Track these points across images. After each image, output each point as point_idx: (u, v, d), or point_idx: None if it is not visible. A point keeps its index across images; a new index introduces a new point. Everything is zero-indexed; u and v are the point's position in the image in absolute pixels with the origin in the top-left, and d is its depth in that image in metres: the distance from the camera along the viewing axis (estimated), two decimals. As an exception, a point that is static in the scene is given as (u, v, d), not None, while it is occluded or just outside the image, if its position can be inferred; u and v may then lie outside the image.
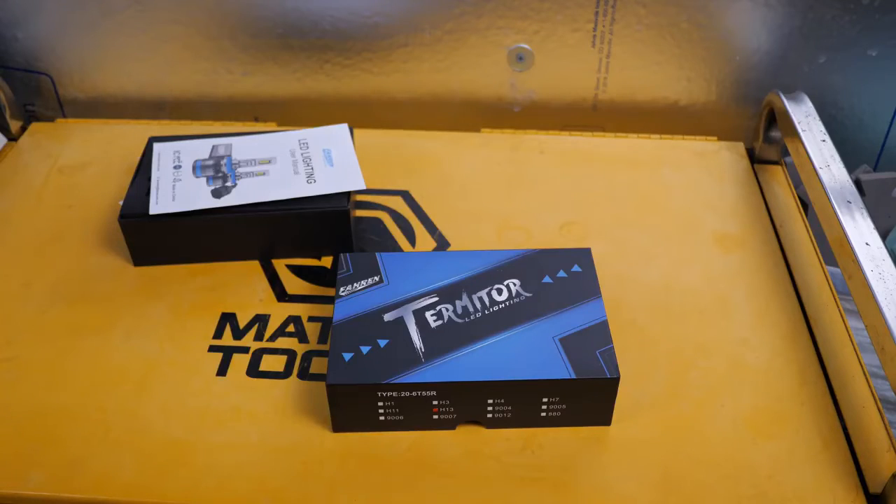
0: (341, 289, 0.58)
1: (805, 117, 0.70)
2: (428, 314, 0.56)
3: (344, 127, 0.73)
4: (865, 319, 0.53)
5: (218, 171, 0.67)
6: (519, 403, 0.53)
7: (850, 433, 0.54)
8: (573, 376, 0.51)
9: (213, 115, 0.88)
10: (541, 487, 0.51)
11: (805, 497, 0.50)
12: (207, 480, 0.51)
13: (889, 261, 0.55)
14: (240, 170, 0.67)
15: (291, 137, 0.71)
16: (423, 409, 0.53)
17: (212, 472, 0.52)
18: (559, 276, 0.58)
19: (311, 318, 0.62)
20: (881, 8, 0.76)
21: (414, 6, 0.80)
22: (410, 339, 0.54)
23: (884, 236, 0.84)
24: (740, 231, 0.70)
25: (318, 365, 0.58)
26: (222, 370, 0.58)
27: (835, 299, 0.64)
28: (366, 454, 0.53)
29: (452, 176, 0.76)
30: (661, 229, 0.70)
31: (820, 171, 0.64)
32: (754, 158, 0.78)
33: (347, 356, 0.53)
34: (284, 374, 0.58)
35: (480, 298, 0.57)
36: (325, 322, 0.62)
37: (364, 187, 0.66)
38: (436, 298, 0.57)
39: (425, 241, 0.69)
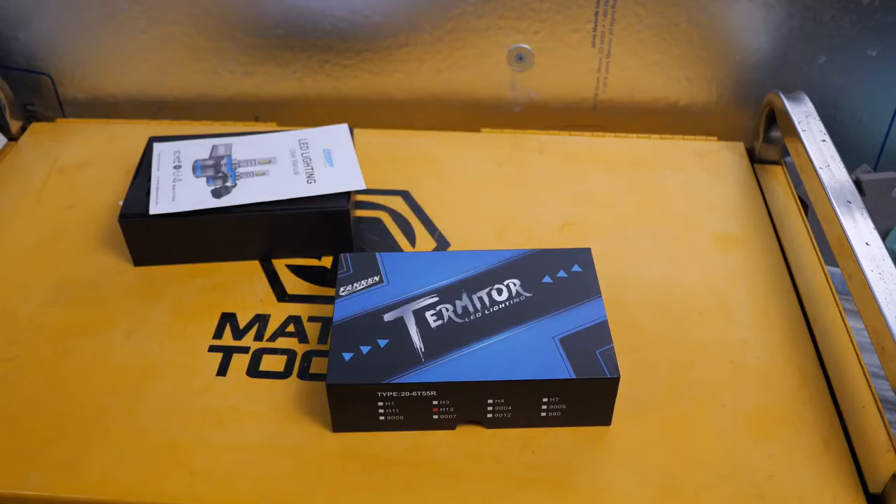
0: (341, 289, 0.58)
1: (805, 117, 0.70)
2: (428, 314, 0.56)
3: (344, 127, 0.73)
4: (865, 319, 0.53)
5: (218, 171, 0.67)
6: (519, 403, 0.53)
7: (850, 433, 0.54)
8: (573, 376, 0.51)
9: (213, 115, 0.87)
10: (541, 487, 0.51)
11: (805, 497, 0.50)
12: (207, 480, 0.51)
13: (889, 261, 0.55)
14: (240, 170, 0.67)
15: (291, 137, 0.71)
16: (423, 409, 0.53)
17: (212, 472, 0.52)
18: (559, 276, 0.58)
19: (311, 318, 0.62)
20: (881, 8, 0.76)
21: (414, 6, 0.80)
22: (410, 339, 0.54)
23: (884, 236, 0.84)
24: (740, 231, 0.70)
25: (318, 365, 0.58)
26: (222, 370, 0.58)
27: (835, 299, 0.64)
28: (366, 454, 0.53)
29: (452, 176, 0.76)
30: (661, 229, 0.70)
31: (820, 171, 0.64)
32: (754, 158, 0.78)
33: (347, 356, 0.53)
34: (284, 374, 0.58)
35: (480, 298, 0.57)
36: (325, 322, 0.62)
37: (364, 187, 0.66)
38: (436, 298, 0.57)
39: (425, 241, 0.69)
